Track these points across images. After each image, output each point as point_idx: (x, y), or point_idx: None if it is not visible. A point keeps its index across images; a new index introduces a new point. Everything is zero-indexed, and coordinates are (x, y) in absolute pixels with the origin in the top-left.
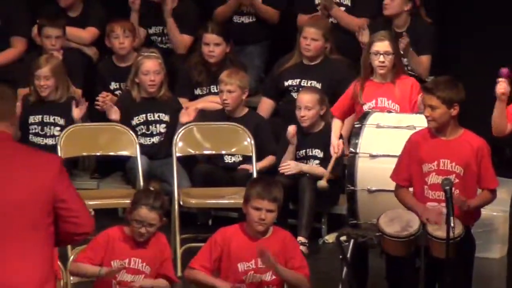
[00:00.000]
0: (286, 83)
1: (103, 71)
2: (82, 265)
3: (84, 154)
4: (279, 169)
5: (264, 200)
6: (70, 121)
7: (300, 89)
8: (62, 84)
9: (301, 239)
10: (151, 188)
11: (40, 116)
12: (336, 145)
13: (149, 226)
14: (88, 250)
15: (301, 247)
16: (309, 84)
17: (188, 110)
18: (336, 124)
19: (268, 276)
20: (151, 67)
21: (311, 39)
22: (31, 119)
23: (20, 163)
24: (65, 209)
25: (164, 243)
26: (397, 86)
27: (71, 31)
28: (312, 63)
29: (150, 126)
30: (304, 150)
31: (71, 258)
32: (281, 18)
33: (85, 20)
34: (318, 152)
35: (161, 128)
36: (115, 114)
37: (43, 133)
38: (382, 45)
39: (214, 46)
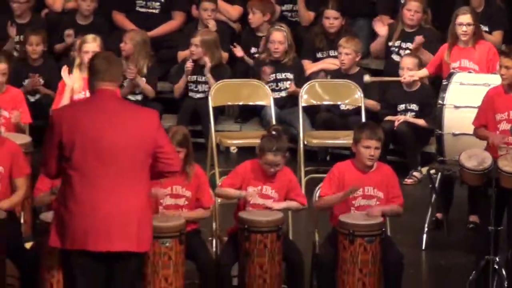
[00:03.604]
0: (389, 43)
1: (246, 39)
2: (226, 189)
3: (229, 103)
4: (387, 118)
5: (372, 140)
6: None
7: (400, 50)
8: (210, 52)
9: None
10: (273, 133)
11: (195, 77)
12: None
13: (276, 166)
14: (230, 178)
15: (409, 180)
16: (406, 46)
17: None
18: (423, 71)
19: (373, 202)
20: (276, 37)
21: (414, 11)
22: (189, 78)
23: (129, 115)
24: (162, 153)
25: (290, 174)
26: (477, 50)
27: (222, 5)
28: (411, 30)
29: (279, 83)
30: (404, 105)
31: (218, 184)
32: None
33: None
34: (414, 107)
35: (287, 84)
36: None
37: (196, 89)
38: (465, 18)
39: (333, 19)
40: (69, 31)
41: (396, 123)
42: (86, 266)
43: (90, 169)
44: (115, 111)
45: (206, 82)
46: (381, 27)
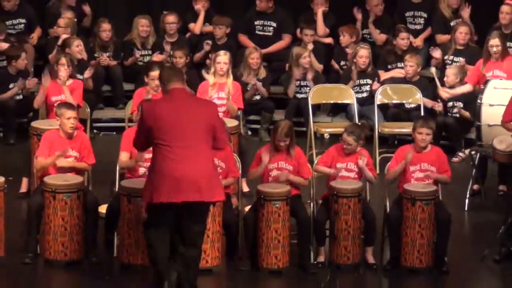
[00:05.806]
0: (445, 57)
1: (336, 55)
2: (320, 167)
3: (323, 101)
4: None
5: (424, 128)
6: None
7: (453, 63)
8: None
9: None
10: (358, 123)
11: (299, 82)
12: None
13: (348, 145)
14: (323, 157)
15: (455, 158)
16: (456, 59)
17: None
18: (466, 87)
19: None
20: (363, 53)
21: (465, 34)
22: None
23: (196, 106)
24: (218, 132)
25: (366, 154)
26: (505, 63)
27: (320, 24)
28: (461, 48)
29: (362, 87)
30: (452, 102)
31: (315, 162)
32: None
33: (325, 22)
34: (459, 104)
35: (367, 87)
36: None
37: (301, 91)
38: (494, 41)
39: (406, 40)
40: (208, 41)
41: (437, 108)
42: (167, 214)
43: (172, 145)
44: (187, 103)
45: (307, 86)
46: (436, 52)
